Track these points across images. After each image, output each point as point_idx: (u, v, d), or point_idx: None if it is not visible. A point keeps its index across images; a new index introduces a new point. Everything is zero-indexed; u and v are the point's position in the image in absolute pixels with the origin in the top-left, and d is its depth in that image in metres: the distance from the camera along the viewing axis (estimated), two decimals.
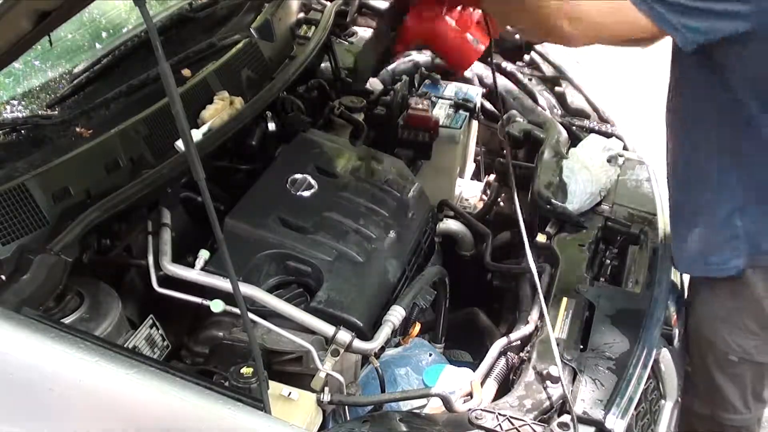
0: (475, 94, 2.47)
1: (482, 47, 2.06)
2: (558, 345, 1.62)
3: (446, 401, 1.48)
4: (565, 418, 1.46)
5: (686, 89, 1.68)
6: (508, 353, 1.68)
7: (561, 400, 1.51)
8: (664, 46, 1.69)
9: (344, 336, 1.56)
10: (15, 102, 1.87)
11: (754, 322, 1.77)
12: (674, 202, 1.84)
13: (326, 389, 1.46)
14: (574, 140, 2.28)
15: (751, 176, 1.65)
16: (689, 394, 1.94)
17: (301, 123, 2.14)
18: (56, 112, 1.82)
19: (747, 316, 1.78)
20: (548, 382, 1.52)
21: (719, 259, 1.73)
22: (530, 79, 2.58)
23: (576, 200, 2.02)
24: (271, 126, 2.10)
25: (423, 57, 2.73)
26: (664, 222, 2.04)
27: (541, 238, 1.98)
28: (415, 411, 1.53)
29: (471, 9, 2.05)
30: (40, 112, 1.82)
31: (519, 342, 1.70)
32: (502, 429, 1.38)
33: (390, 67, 2.73)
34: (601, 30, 1.54)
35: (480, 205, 2.42)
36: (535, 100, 2.51)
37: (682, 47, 1.47)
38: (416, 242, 1.92)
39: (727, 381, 1.88)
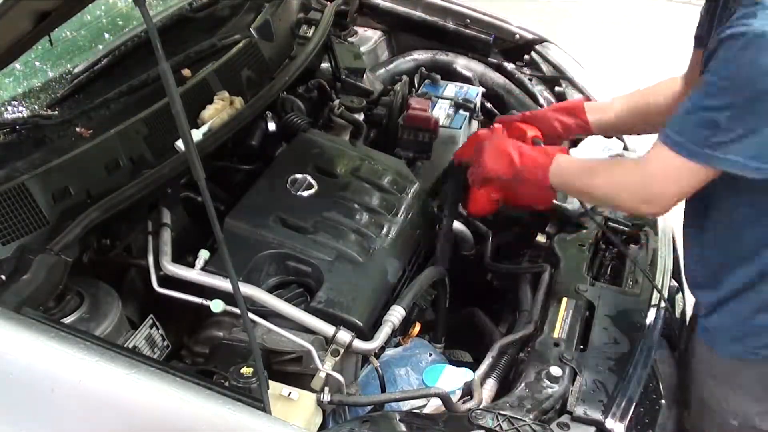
0: (475, 94, 2.47)
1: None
2: (558, 345, 1.62)
3: (446, 401, 1.48)
4: (565, 418, 1.46)
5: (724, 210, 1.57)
6: (508, 353, 1.69)
7: (561, 400, 1.51)
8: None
9: (344, 336, 1.56)
10: (15, 102, 1.87)
11: (759, 386, 1.62)
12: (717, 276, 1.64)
13: (326, 389, 1.46)
14: (574, 140, 2.28)
15: None
16: None
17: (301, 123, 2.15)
18: (56, 112, 1.82)
19: (751, 379, 1.62)
20: (548, 382, 1.52)
21: (757, 343, 1.59)
22: (530, 79, 2.58)
23: (576, 200, 2.02)
24: (271, 126, 2.10)
25: (423, 56, 2.74)
26: (664, 222, 2.04)
27: (541, 238, 1.99)
28: (415, 411, 1.53)
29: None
30: (40, 112, 1.82)
31: (519, 342, 1.70)
32: (501, 429, 1.38)
33: (390, 67, 2.73)
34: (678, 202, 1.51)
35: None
36: (535, 100, 2.51)
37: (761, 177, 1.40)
38: (416, 242, 1.92)
39: None
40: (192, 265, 1.67)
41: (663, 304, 1.78)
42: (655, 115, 1.79)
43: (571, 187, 1.71)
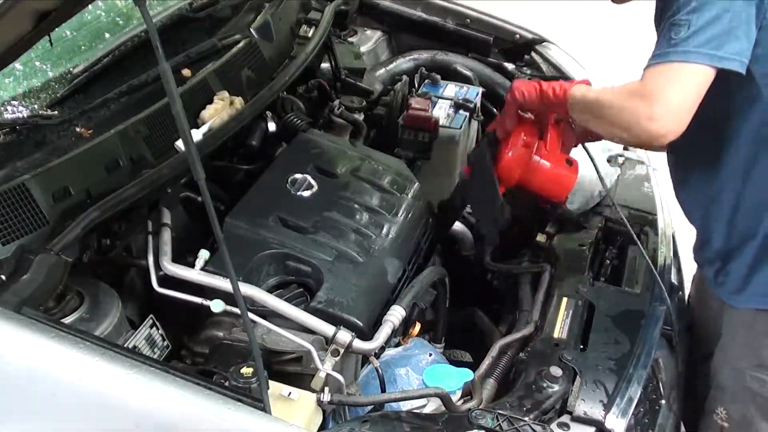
0: (475, 94, 2.47)
1: (574, 174, 1.91)
2: (558, 345, 1.62)
3: (446, 401, 1.48)
4: (565, 418, 1.46)
5: (720, 119, 1.64)
6: (508, 353, 1.69)
7: (561, 400, 1.51)
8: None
9: (344, 336, 1.56)
10: (15, 102, 1.87)
11: None
12: (735, 230, 1.72)
13: (326, 389, 1.46)
14: None
15: None
16: None
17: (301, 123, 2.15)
18: (56, 112, 1.82)
19: None
20: (548, 382, 1.52)
21: None
22: (530, 79, 2.58)
23: (576, 200, 2.02)
24: (271, 126, 2.10)
25: (423, 56, 2.74)
26: (664, 222, 2.04)
27: (541, 238, 1.98)
28: (415, 411, 1.53)
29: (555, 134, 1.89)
30: (40, 112, 1.82)
31: (519, 342, 1.70)
32: (501, 429, 1.38)
33: (390, 67, 2.74)
34: (686, 115, 1.50)
35: None
36: None
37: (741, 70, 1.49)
38: (416, 242, 1.92)
39: None
40: (192, 265, 1.66)
41: (663, 304, 1.78)
42: None
43: (582, 105, 1.69)
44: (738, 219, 1.70)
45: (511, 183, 1.87)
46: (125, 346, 1.54)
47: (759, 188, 1.65)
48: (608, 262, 1.94)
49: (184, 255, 1.73)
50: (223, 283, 1.60)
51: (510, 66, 2.64)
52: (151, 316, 1.64)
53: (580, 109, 1.70)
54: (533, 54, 2.66)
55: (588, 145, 2.19)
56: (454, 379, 1.61)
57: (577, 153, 2.17)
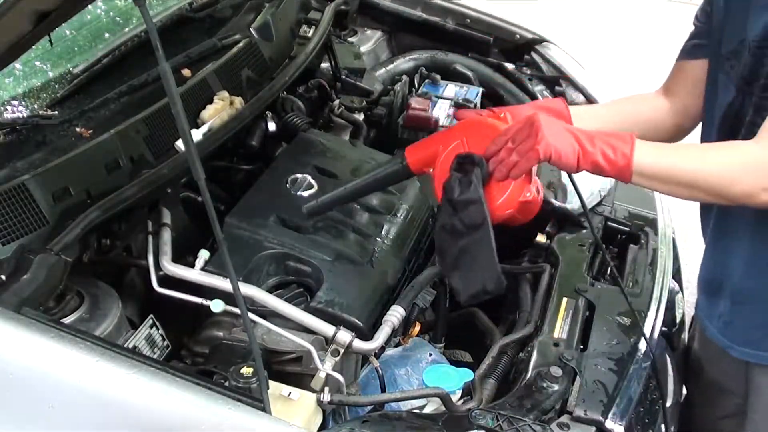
0: (475, 94, 2.47)
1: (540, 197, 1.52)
2: (558, 345, 1.62)
3: (446, 401, 1.48)
4: (565, 418, 1.46)
5: None
6: (508, 353, 1.69)
7: (561, 400, 1.51)
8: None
9: (344, 336, 1.56)
10: (15, 102, 1.87)
11: None
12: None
13: (326, 389, 1.46)
14: None
15: None
16: None
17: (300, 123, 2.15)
18: (56, 112, 1.82)
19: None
20: (548, 382, 1.52)
21: None
22: (530, 79, 2.58)
23: (576, 200, 2.02)
24: (271, 126, 2.10)
25: (423, 56, 2.74)
26: (664, 222, 2.04)
27: (541, 238, 1.98)
28: (415, 411, 1.53)
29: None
30: (40, 112, 1.82)
31: (519, 342, 1.70)
32: (501, 429, 1.38)
33: (390, 67, 2.74)
34: None
35: None
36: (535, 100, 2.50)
37: None
38: (416, 242, 1.92)
39: None
40: (192, 265, 1.67)
41: (663, 304, 1.78)
42: (641, 126, 1.68)
43: (665, 173, 1.40)
44: None
45: (498, 221, 1.48)
46: (125, 346, 1.54)
47: None
48: (608, 262, 1.94)
49: (184, 255, 1.73)
50: (223, 283, 1.60)
51: (510, 66, 2.64)
52: (151, 316, 1.64)
53: (655, 178, 1.40)
54: (533, 54, 2.66)
55: None
56: (454, 379, 1.61)
57: None
